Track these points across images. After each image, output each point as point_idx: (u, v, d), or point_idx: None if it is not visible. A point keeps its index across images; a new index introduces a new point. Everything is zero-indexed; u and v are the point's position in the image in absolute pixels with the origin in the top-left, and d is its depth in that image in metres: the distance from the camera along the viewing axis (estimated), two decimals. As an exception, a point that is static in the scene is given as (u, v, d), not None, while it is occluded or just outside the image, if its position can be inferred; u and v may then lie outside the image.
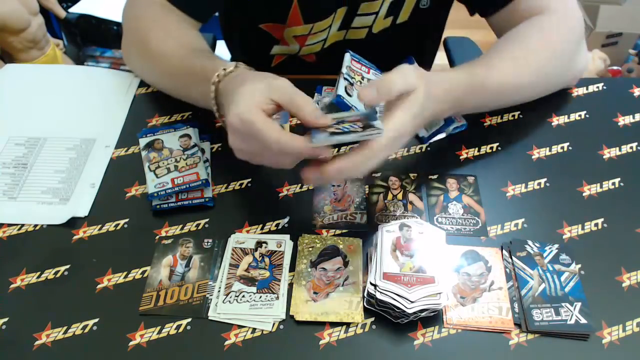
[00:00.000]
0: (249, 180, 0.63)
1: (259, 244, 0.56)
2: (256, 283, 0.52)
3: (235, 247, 0.55)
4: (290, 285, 0.53)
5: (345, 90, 0.64)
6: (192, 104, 0.67)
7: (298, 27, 0.77)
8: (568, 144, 0.67)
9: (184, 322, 0.50)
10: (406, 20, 0.79)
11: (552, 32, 0.66)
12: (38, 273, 0.54)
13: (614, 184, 0.62)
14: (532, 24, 0.66)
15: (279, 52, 0.84)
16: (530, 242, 0.55)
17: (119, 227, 0.58)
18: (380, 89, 0.48)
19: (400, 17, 0.78)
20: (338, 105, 0.63)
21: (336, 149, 0.65)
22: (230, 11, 0.86)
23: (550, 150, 0.66)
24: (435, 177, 0.63)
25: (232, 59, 1.01)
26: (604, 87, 0.75)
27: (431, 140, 0.66)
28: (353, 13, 0.76)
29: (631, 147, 0.67)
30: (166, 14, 0.67)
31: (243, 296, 0.51)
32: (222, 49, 1.03)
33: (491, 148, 0.66)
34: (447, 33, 1.01)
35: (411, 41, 0.85)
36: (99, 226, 0.58)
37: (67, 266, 0.54)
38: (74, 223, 0.58)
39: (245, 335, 0.49)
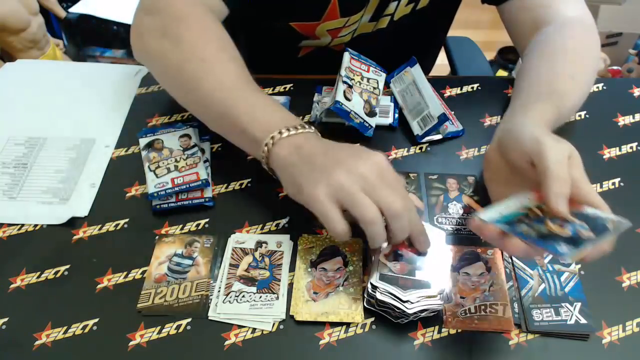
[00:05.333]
0: (249, 180, 0.63)
1: (259, 244, 0.56)
2: (256, 283, 0.52)
3: (235, 247, 0.55)
4: (290, 285, 0.53)
5: (344, 95, 0.64)
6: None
7: (334, 21, 0.75)
8: (568, 144, 0.67)
9: (184, 322, 0.50)
10: (426, 5, 0.78)
11: (584, 39, 0.65)
12: (38, 273, 0.54)
13: (614, 184, 0.62)
14: (565, 32, 0.64)
15: (306, 45, 0.83)
16: (530, 242, 0.55)
17: (119, 227, 0.58)
18: (566, 190, 0.45)
19: (421, 2, 0.78)
20: (336, 111, 0.63)
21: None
22: (257, 9, 0.81)
23: (550, 150, 0.66)
24: (435, 177, 0.63)
25: (248, 54, 0.99)
26: (604, 87, 0.75)
27: (425, 139, 0.66)
28: (385, 3, 0.75)
29: (631, 147, 0.67)
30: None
31: (243, 296, 0.51)
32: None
33: (491, 148, 0.66)
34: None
35: (429, 29, 0.84)
36: (99, 226, 0.58)
37: (67, 266, 0.54)
38: (74, 223, 0.58)
39: (245, 335, 0.49)
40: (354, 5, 0.74)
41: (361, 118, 0.64)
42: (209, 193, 0.60)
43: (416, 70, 0.71)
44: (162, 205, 0.59)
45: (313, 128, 0.53)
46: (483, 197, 0.60)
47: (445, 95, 0.74)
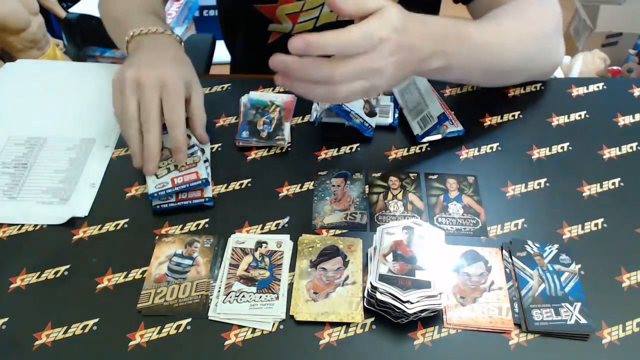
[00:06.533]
0: (249, 180, 0.63)
1: (259, 244, 0.56)
2: (256, 283, 0.52)
3: (235, 247, 0.55)
4: (290, 285, 0.53)
5: None
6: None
7: (290, 5, 0.78)
8: (568, 144, 0.67)
9: (184, 322, 0.50)
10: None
11: (532, 13, 0.67)
12: (38, 273, 0.54)
13: (614, 184, 0.62)
14: (513, 5, 0.67)
15: (274, 30, 0.85)
16: (530, 242, 0.55)
17: (119, 227, 0.58)
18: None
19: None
20: (336, 111, 0.64)
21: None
22: None
23: (550, 150, 0.66)
24: (435, 177, 0.63)
25: (229, 43, 1.01)
26: (604, 87, 0.75)
27: (425, 139, 0.66)
28: None
29: (631, 147, 0.67)
30: None
31: (243, 296, 0.51)
32: (221, 50, 1.03)
33: (491, 148, 0.66)
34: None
35: None
36: (99, 226, 0.58)
37: (67, 266, 0.54)
38: (74, 223, 0.58)
39: (245, 335, 0.49)
40: None
41: (361, 118, 0.64)
42: (209, 193, 0.60)
43: None
44: (162, 205, 0.59)
45: (170, 32, 0.67)
46: (483, 197, 0.60)
47: (445, 95, 0.74)
